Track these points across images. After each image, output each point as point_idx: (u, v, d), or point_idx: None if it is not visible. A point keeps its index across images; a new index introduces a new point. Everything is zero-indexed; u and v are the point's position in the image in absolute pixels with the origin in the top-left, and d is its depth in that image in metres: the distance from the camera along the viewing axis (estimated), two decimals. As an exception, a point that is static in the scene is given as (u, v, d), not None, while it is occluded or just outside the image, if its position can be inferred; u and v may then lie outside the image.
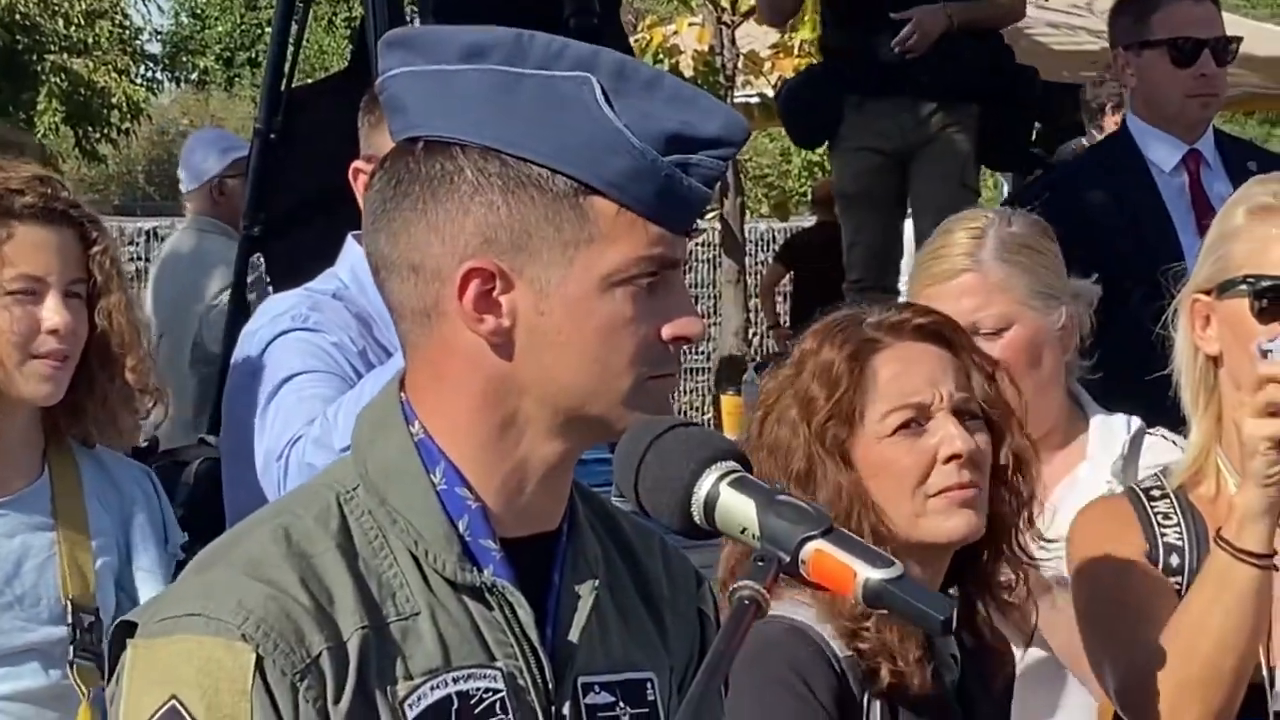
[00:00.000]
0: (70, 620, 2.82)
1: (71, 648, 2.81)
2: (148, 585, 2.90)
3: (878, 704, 2.49)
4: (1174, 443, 3.07)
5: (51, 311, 2.82)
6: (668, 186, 1.84)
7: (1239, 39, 5.01)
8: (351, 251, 3.11)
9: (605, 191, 1.83)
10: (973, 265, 3.02)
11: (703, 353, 14.38)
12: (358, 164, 3.08)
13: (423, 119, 1.89)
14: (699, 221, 1.93)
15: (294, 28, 5.11)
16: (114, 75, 33.52)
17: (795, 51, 12.28)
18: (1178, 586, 2.59)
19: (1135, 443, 3.13)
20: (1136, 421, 3.19)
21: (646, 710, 1.97)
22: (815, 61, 7.96)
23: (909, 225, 6.54)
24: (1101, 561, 2.67)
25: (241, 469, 2.94)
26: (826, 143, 6.49)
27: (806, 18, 9.73)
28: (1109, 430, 3.16)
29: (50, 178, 2.93)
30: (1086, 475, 3.09)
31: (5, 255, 2.80)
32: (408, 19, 5.13)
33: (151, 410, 2.99)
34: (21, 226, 2.82)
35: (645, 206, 1.84)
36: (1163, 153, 4.80)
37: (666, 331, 1.87)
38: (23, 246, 2.82)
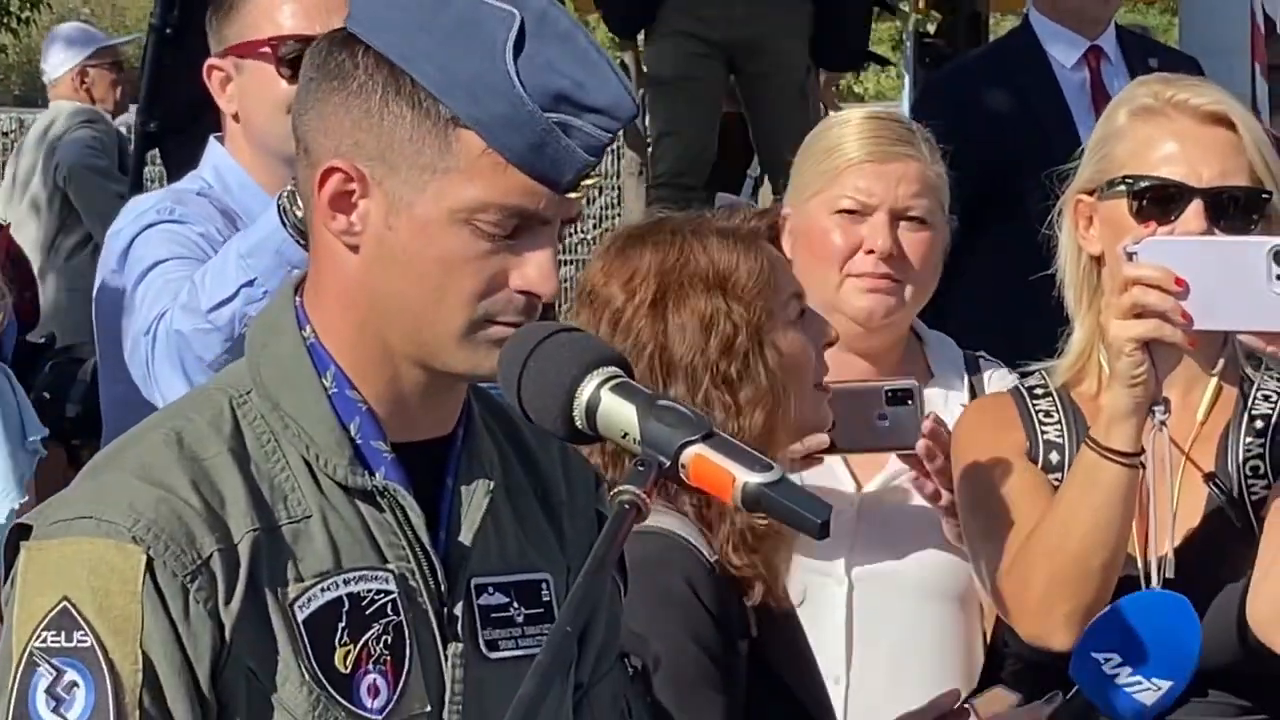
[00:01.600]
0: None
1: None
2: (3, 488, 2.91)
3: (752, 611, 2.51)
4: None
5: None
6: (543, 140, 1.83)
7: None
8: (214, 152, 3.11)
9: (476, 128, 1.83)
10: (915, 154, 3.01)
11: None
12: (211, 61, 3.08)
13: (358, 11, 1.91)
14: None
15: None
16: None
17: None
18: (1056, 483, 2.62)
19: (970, 365, 3.16)
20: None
21: (541, 610, 1.99)
22: None
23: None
24: (981, 458, 2.70)
25: (112, 365, 2.94)
26: (645, 30, 6.26)
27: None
28: (945, 345, 3.19)
29: None
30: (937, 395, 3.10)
31: None
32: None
33: None
34: None
35: (513, 154, 1.83)
36: (1064, 48, 4.79)
37: (514, 281, 1.86)
38: None
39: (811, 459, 2.80)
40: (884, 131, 3.02)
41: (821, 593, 2.93)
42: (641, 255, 2.52)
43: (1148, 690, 2.27)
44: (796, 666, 2.60)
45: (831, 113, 3.30)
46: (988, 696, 2.53)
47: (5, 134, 19.64)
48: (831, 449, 2.82)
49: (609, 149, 1.98)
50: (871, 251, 2.95)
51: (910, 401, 2.84)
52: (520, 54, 1.82)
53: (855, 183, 2.97)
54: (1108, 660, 2.27)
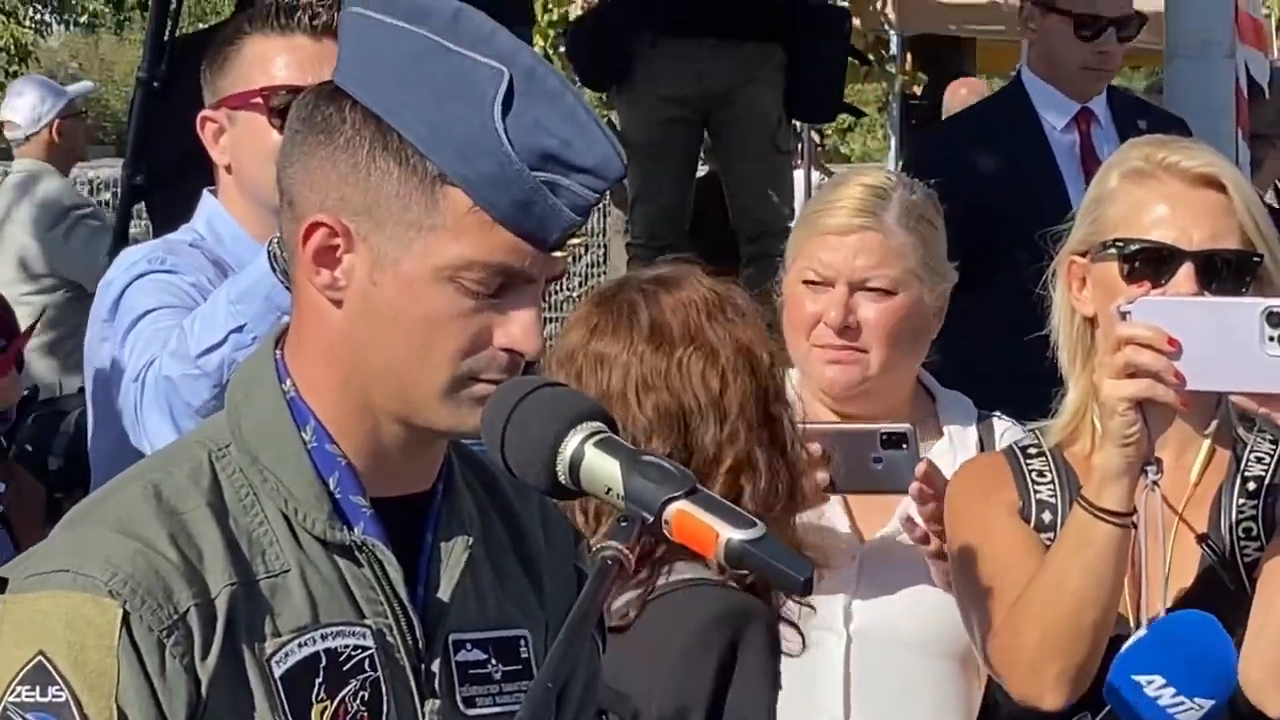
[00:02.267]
0: None
1: None
2: None
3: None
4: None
5: None
6: (530, 199, 1.83)
7: (1145, 18, 5.00)
8: (207, 204, 3.12)
9: (463, 186, 1.83)
10: (875, 224, 3.00)
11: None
12: (205, 113, 3.08)
13: (345, 66, 1.92)
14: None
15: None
16: (1, 18, 33.06)
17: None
18: (1049, 542, 2.62)
19: (984, 422, 3.16)
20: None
21: (520, 667, 1.98)
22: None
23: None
24: (974, 517, 2.71)
25: (102, 415, 2.95)
26: (619, 84, 6.21)
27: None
28: (959, 404, 3.19)
29: None
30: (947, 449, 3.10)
31: None
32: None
33: None
34: None
35: (500, 212, 1.83)
36: (1055, 111, 4.82)
37: (497, 337, 1.87)
38: None
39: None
40: (850, 202, 3.02)
41: (820, 645, 2.90)
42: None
43: (1190, 710, 2.28)
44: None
45: (812, 182, 3.31)
46: None
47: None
48: (830, 488, 2.84)
49: (595, 207, 1.98)
50: (828, 324, 2.97)
51: (905, 445, 2.86)
52: (509, 112, 1.82)
53: (819, 254, 3.00)
54: (1150, 683, 2.26)
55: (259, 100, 2.98)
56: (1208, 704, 2.27)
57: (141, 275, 2.97)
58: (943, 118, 8.92)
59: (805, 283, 2.99)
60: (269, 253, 2.73)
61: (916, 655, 3.00)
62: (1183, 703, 2.26)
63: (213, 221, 3.07)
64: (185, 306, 2.87)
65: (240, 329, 2.70)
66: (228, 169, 3.07)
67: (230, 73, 3.05)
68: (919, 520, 2.86)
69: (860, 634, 2.98)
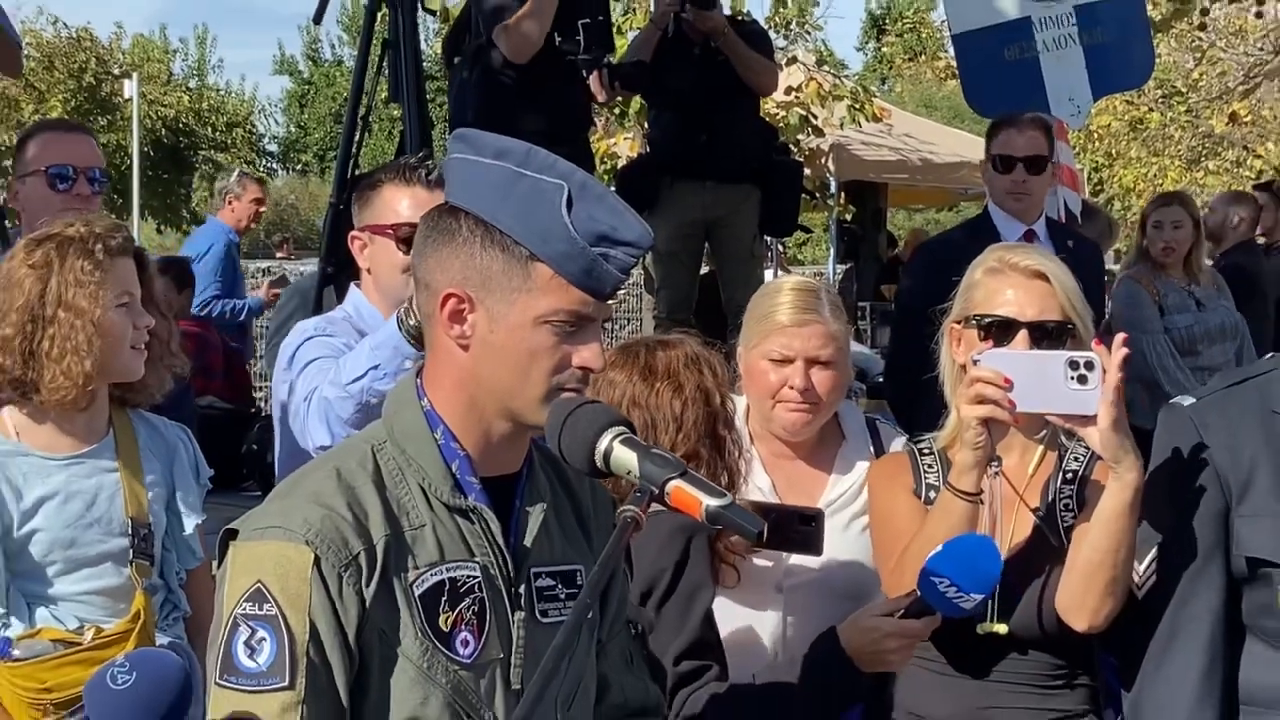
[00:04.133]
0: (130, 533, 2.76)
1: (131, 551, 2.76)
2: (186, 507, 2.89)
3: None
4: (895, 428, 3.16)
5: (142, 316, 2.80)
6: (591, 268, 1.83)
7: (1047, 159, 4.84)
8: (353, 293, 3.13)
9: (546, 261, 1.83)
10: (818, 317, 2.95)
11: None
12: (353, 233, 3.11)
13: (454, 191, 1.91)
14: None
15: (358, 135, 5.14)
16: (244, 165, 33.30)
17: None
18: None
19: (870, 425, 3.12)
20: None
21: (577, 590, 1.97)
22: (644, 151, 7.61)
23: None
24: (884, 494, 2.70)
25: (283, 429, 2.96)
26: (649, 210, 6.09)
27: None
28: (853, 413, 3.15)
29: (122, 225, 2.88)
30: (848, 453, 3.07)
31: (112, 279, 2.75)
32: (432, 131, 5.18)
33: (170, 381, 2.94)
34: (118, 259, 2.78)
35: (572, 277, 1.83)
36: (1010, 230, 4.74)
37: (575, 360, 1.86)
38: (120, 273, 2.77)
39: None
40: (800, 302, 2.97)
41: (761, 594, 2.87)
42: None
43: (967, 601, 2.28)
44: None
45: (776, 276, 3.27)
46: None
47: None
48: (760, 547, 2.77)
49: (634, 289, 1.97)
50: (793, 388, 2.93)
51: (814, 523, 2.78)
52: (571, 210, 1.83)
53: (781, 340, 2.94)
54: (941, 582, 2.26)
55: (389, 230, 2.98)
56: (979, 597, 2.27)
57: (310, 338, 2.98)
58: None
59: (770, 360, 2.93)
60: (398, 318, 2.73)
61: (840, 600, 2.91)
62: (962, 595, 2.26)
63: (356, 304, 3.09)
64: (336, 357, 2.89)
65: (376, 367, 2.71)
66: (368, 271, 3.08)
67: (371, 208, 3.05)
68: None
69: (793, 589, 2.91)
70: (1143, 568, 2.42)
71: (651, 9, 8.03)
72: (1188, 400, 2.43)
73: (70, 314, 2.70)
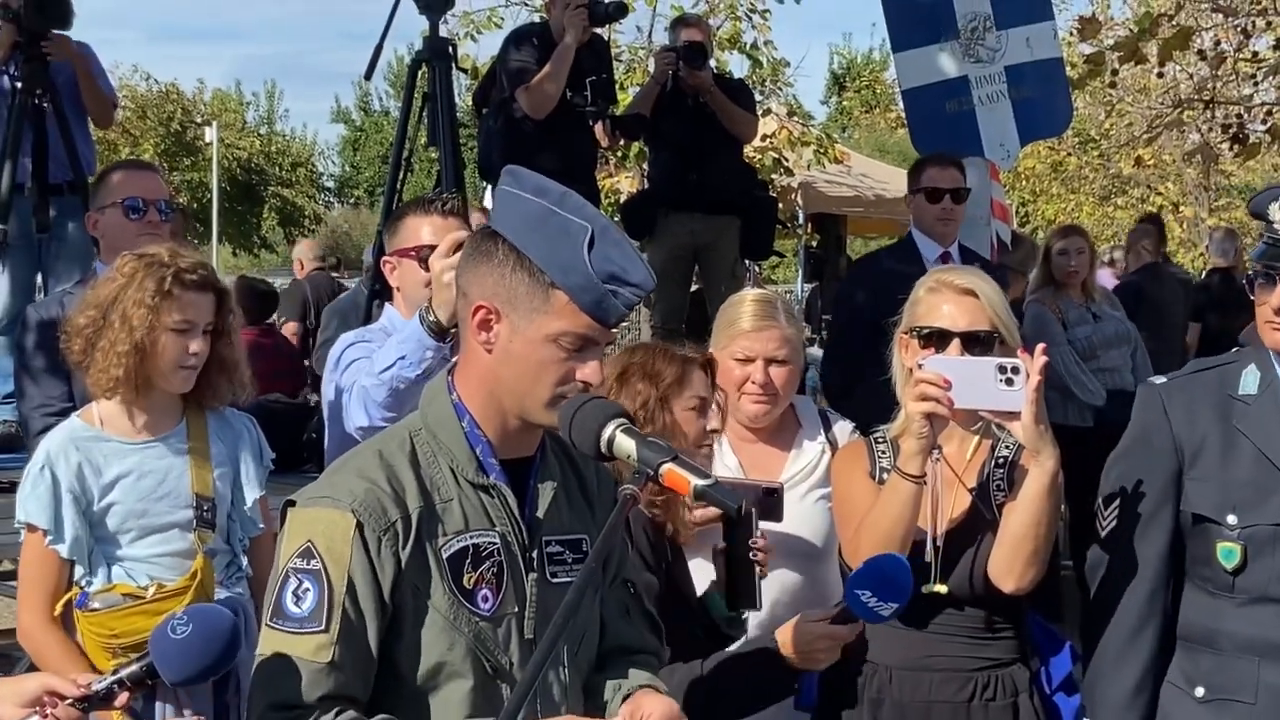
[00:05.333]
0: (194, 505, 2.78)
1: (194, 521, 2.77)
2: (250, 485, 2.89)
3: (667, 543, 2.55)
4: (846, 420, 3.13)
5: (195, 344, 2.78)
6: (602, 300, 1.82)
7: (968, 189, 4.86)
8: (387, 309, 3.13)
9: (564, 290, 1.82)
10: (775, 323, 2.97)
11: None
12: (384, 257, 3.10)
13: (497, 217, 1.90)
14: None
15: (401, 174, 5.14)
16: (306, 199, 33.28)
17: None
18: None
19: (823, 416, 3.12)
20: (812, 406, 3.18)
21: (582, 556, 1.96)
22: (645, 186, 7.58)
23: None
24: (844, 476, 2.68)
25: (331, 418, 2.95)
26: (648, 236, 6.07)
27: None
28: (808, 405, 3.14)
29: (205, 261, 2.88)
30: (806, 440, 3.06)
31: (175, 306, 2.74)
32: (464, 171, 5.18)
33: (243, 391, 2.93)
34: (187, 291, 2.76)
35: (584, 306, 1.82)
36: (929, 250, 4.72)
37: (577, 374, 1.85)
38: (184, 302, 2.76)
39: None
40: (759, 310, 2.98)
41: None
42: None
43: (886, 609, 2.25)
44: (684, 580, 2.62)
45: (741, 291, 3.27)
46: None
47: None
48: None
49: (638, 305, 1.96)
50: (754, 383, 2.95)
51: (775, 494, 2.80)
52: (592, 250, 1.81)
53: (743, 343, 2.96)
54: (864, 594, 2.24)
55: (414, 253, 2.96)
56: (895, 606, 2.25)
57: (351, 344, 2.98)
58: None
59: (735, 359, 2.96)
60: (419, 315, 2.73)
61: (795, 559, 2.94)
62: (882, 605, 2.23)
63: (390, 317, 3.07)
64: (371, 356, 2.88)
65: (403, 357, 2.69)
66: (398, 289, 3.07)
67: (398, 235, 3.03)
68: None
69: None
70: (1107, 513, 2.43)
71: (650, 69, 8.02)
72: (1159, 380, 2.46)
73: (122, 324, 2.71)
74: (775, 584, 2.91)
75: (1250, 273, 2.32)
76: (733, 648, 2.53)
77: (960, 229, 5.02)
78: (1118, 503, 2.42)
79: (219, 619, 1.90)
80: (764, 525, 2.82)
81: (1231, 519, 2.28)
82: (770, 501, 2.77)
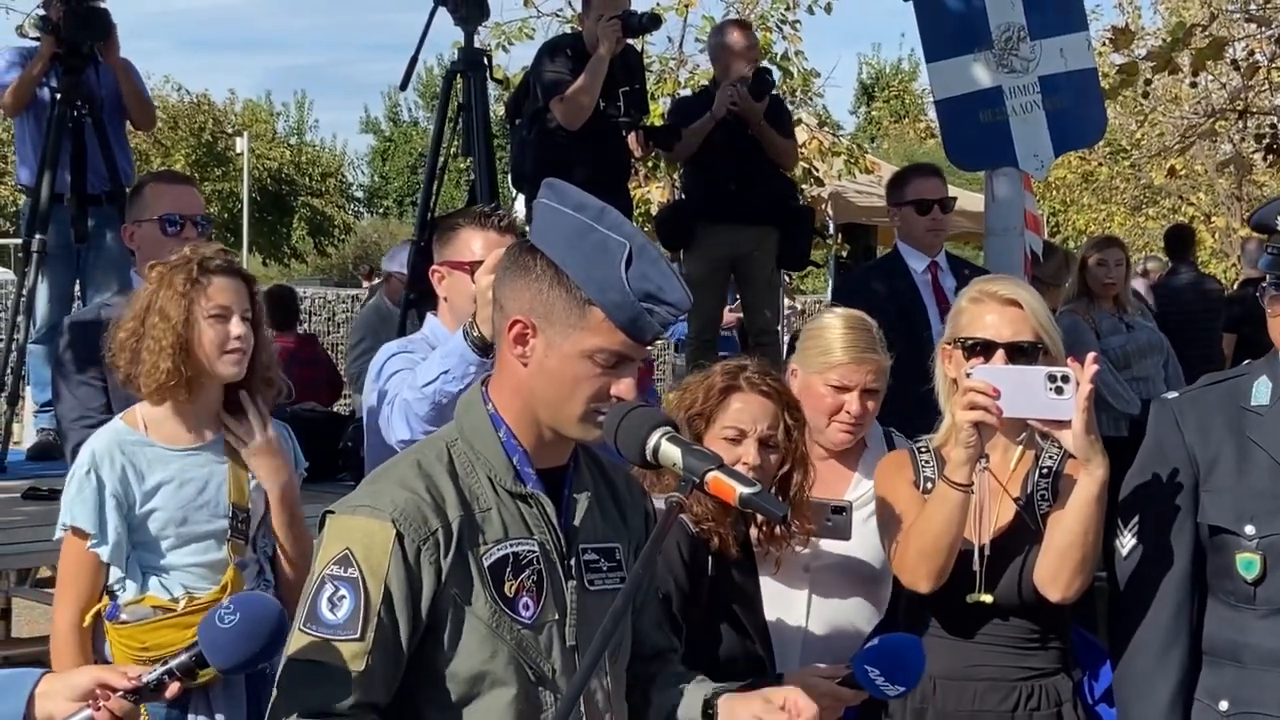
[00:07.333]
0: (230, 515, 2.77)
1: (229, 531, 2.77)
2: None
3: (710, 557, 2.52)
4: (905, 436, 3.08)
5: (236, 328, 2.77)
6: (637, 318, 1.81)
7: (954, 199, 4.92)
8: (430, 319, 3.12)
9: (601, 307, 1.81)
10: (874, 354, 2.93)
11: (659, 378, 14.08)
12: (433, 267, 3.09)
13: (536, 232, 1.89)
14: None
15: (436, 184, 5.15)
16: (336, 208, 33.52)
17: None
18: None
19: (886, 436, 3.09)
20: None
21: (616, 564, 1.96)
22: (676, 196, 7.51)
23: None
24: (890, 486, 2.67)
25: (371, 427, 2.95)
26: (684, 248, 6.06)
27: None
28: (874, 426, 3.08)
29: (227, 249, 2.87)
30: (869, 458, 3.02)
31: (206, 293, 2.75)
32: (499, 180, 5.20)
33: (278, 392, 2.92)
34: (215, 276, 2.76)
35: (620, 323, 1.81)
36: (916, 262, 4.73)
37: (612, 390, 1.84)
38: (215, 288, 2.76)
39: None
40: (857, 340, 2.94)
41: (791, 571, 2.84)
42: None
43: (892, 690, 2.21)
44: (742, 596, 2.57)
45: (822, 312, 3.19)
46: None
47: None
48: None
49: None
50: (849, 413, 2.92)
51: (844, 513, 2.78)
52: (629, 268, 1.80)
53: (841, 372, 2.92)
54: (873, 671, 2.19)
55: (465, 266, 2.95)
56: (901, 688, 2.21)
57: (394, 355, 2.97)
58: None
59: (829, 385, 2.91)
60: (463, 330, 2.73)
61: (855, 579, 2.91)
62: (888, 685, 2.19)
63: (434, 328, 3.06)
64: (414, 368, 2.87)
65: (446, 372, 2.69)
66: (445, 299, 3.06)
67: (450, 246, 3.02)
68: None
69: (818, 570, 2.89)
70: (1127, 531, 2.41)
71: (680, 79, 7.97)
72: (1171, 395, 2.44)
73: (160, 319, 2.72)
74: (834, 604, 2.89)
75: (1264, 284, 2.30)
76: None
77: (992, 241, 4.99)
78: (1137, 519, 2.39)
79: (266, 606, 1.89)
80: (830, 543, 2.82)
81: (1250, 529, 2.26)
82: (839, 520, 2.77)
